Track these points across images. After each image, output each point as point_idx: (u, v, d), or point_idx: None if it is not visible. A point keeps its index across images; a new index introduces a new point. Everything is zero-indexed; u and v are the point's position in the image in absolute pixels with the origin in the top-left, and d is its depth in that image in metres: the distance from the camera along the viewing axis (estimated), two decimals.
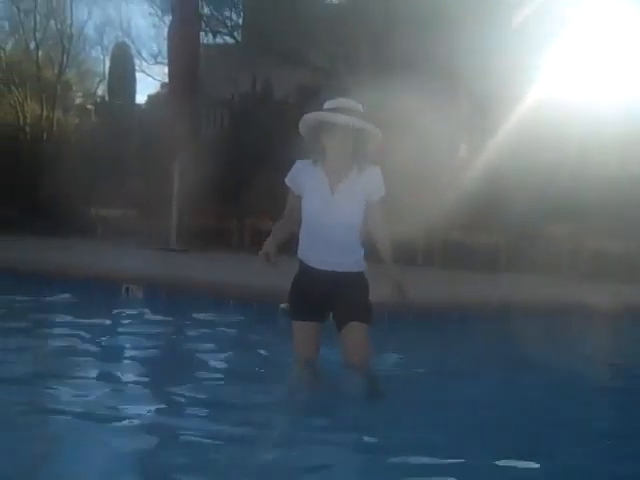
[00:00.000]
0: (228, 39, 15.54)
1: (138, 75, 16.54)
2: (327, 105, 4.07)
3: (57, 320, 6.35)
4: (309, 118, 4.05)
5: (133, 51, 16.43)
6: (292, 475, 3.16)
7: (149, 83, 23.19)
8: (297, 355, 4.25)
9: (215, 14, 15.39)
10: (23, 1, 16.08)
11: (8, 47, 16.68)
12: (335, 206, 4.05)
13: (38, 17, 15.94)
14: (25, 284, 7.74)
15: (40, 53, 16.05)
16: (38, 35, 15.95)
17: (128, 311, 6.96)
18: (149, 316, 6.84)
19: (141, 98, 16.96)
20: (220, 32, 15.49)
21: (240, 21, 15.70)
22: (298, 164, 4.19)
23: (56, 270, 8.01)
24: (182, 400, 4.13)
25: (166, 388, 4.34)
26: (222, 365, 5.15)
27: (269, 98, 13.34)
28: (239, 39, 15.36)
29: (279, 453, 3.37)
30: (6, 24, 16.76)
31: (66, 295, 7.23)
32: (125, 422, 3.72)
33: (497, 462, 3.34)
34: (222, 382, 4.75)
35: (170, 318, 6.71)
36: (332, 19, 13.07)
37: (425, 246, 10.30)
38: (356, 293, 4.15)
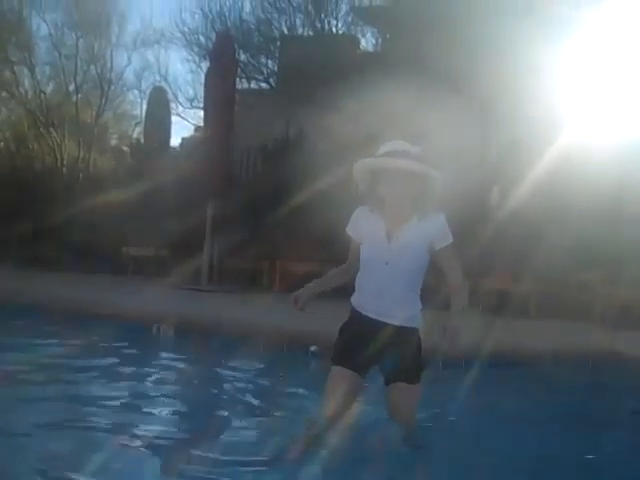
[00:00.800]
0: (264, 85, 15.80)
1: (173, 118, 16.86)
2: (382, 149, 3.80)
3: (88, 360, 6.39)
4: (364, 164, 3.78)
5: (170, 95, 16.74)
6: None
7: (184, 126, 23.55)
8: (324, 407, 3.84)
9: (251, 61, 15.66)
10: (65, 46, 16.52)
11: (48, 90, 17.08)
12: (392, 255, 3.78)
13: (79, 62, 16.34)
14: (58, 321, 7.84)
15: (79, 96, 16.42)
16: (78, 79, 16.34)
17: (158, 350, 7.03)
18: (179, 355, 6.90)
19: (175, 141, 17.22)
20: (256, 78, 15.75)
21: (275, 68, 15.96)
22: (357, 211, 3.95)
23: (88, 308, 8.11)
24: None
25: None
26: (245, 408, 5.12)
27: (303, 143, 13.47)
28: (274, 85, 15.60)
29: None
30: (47, 68, 17.18)
31: (97, 333, 7.28)
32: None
33: None
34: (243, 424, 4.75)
35: (199, 357, 6.76)
36: (365, 67, 13.23)
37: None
38: (408, 350, 3.82)
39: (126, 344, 6.98)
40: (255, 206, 11.64)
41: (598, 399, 5.82)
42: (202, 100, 13.37)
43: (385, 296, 3.80)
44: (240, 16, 15.89)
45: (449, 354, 3.82)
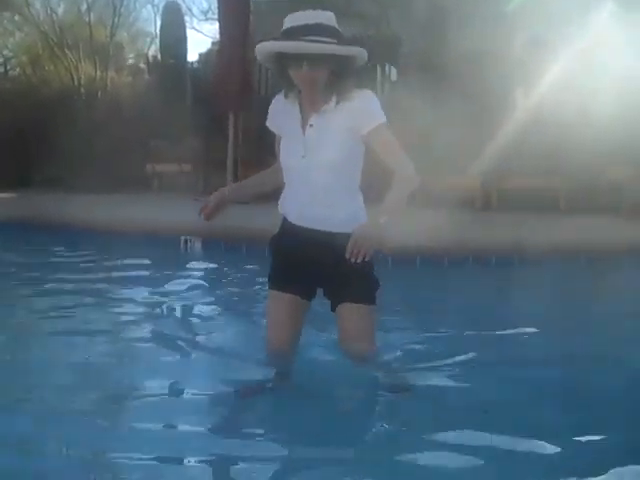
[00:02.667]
0: None
1: (189, 33, 16.58)
2: (286, 23, 3.09)
3: (118, 275, 6.45)
4: (264, 48, 3.11)
5: (184, 9, 16.40)
6: None
7: (201, 41, 23.20)
8: (267, 339, 3.36)
9: None
10: None
11: (60, 11, 16.81)
12: (307, 146, 3.17)
13: None
14: (83, 240, 7.91)
15: (92, 15, 16.16)
16: None
17: (188, 263, 7.08)
18: (208, 266, 6.94)
19: (193, 56, 16.96)
20: None
21: None
22: (274, 101, 3.35)
23: (115, 225, 8.13)
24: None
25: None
26: None
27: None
28: None
29: None
30: None
31: (126, 249, 7.32)
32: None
33: None
34: None
35: (228, 269, 6.79)
36: None
37: (482, 191, 10.18)
38: (354, 262, 2.98)
39: (155, 258, 7.06)
40: None
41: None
42: (216, 12, 13.12)
43: (309, 197, 3.21)
44: None
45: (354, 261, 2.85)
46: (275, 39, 3.08)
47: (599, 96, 9.27)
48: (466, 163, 9.40)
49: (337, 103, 3.13)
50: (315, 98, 3.15)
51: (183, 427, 3.05)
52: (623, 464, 2.55)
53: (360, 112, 3.11)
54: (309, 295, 3.35)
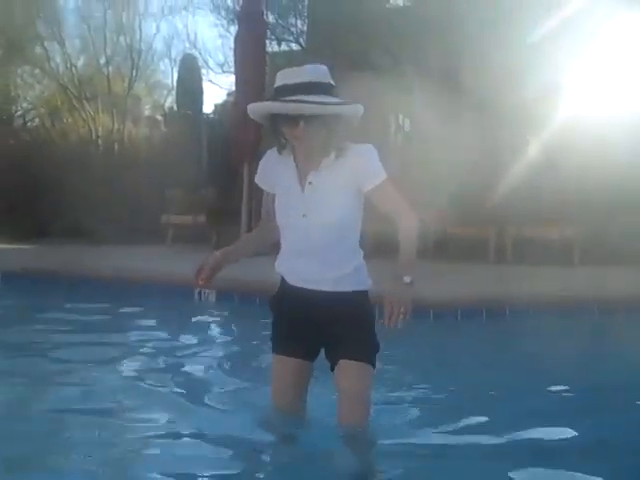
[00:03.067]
0: (294, 46, 15.63)
1: (205, 85, 16.78)
2: (278, 80, 3.03)
3: (133, 327, 6.47)
4: (256, 109, 3.04)
5: (200, 62, 16.63)
6: None
7: (216, 92, 23.52)
8: (273, 403, 3.29)
9: (280, 22, 15.48)
10: (94, 18, 16.49)
11: (79, 64, 17.10)
12: (307, 205, 3.05)
13: (108, 33, 16.30)
14: (101, 291, 7.93)
15: (110, 68, 16.43)
16: (108, 51, 16.33)
17: (201, 316, 7.08)
18: (222, 319, 6.94)
19: (209, 107, 17.17)
20: (285, 39, 15.59)
21: (305, 27, 15.77)
22: (265, 156, 3.24)
23: (131, 276, 8.16)
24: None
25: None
26: None
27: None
28: (304, 45, 15.43)
29: None
30: (77, 42, 17.18)
31: (142, 301, 7.34)
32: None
33: None
34: None
35: (243, 321, 6.78)
36: (396, 21, 13.03)
37: (496, 243, 10.16)
38: (352, 320, 3.09)
39: (170, 309, 7.08)
40: None
41: None
42: (232, 64, 13.30)
43: (308, 257, 3.09)
44: None
45: (390, 332, 2.79)
46: (270, 99, 3.02)
47: (612, 141, 9.28)
48: (480, 214, 9.39)
49: (336, 158, 3.04)
50: (312, 154, 3.05)
51: None
52: None
53: (361, 169, 3.03)
54: (313, 356, 3.25)
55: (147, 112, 18.76)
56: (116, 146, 15.24)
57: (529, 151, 10.19)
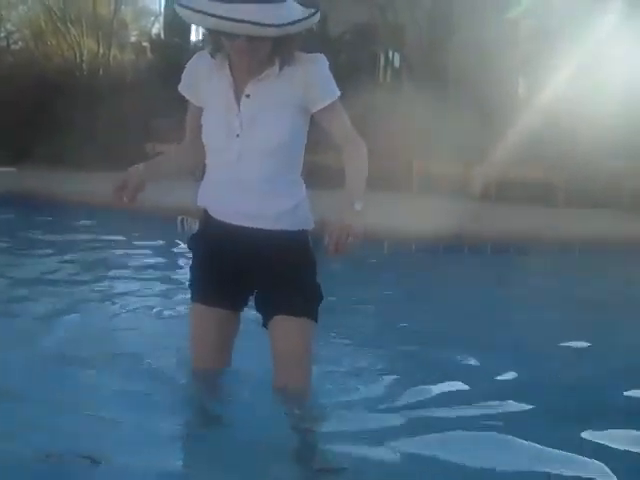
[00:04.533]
0: None
1: None
2: None
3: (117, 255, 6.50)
4: (185, 15, 2.39)
5: None
6: None
7: None
8: (193, 358, 2.80)
9: None
10: None
11: None
12: (243, 124, 2.51)
13: None
14: (83, 216, 7.93)
15: None
16: None
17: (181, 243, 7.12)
18: None
19: (197, 36, 16.86)
20: None
21: None
22: (194, 59, 2.65)
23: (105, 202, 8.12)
24: None
25: None
26: None
27: (325, 35, 13.18)
28: None
29: None
30: None
31: (125, 226, 7.33)
32: None
33: None
34: None
35: None
36: None
37: (484, 181, 10.19)
38: (292, 266, 2.61)
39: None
40: None
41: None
42: None
43: (243, 187, 2.54)
44: None
45: (331, 257, 2.32)
46: (200, 10, 2.33)
47: (602, 90, 9.27)
48: (466, 152, 9.39)
49: (281, 69, 2.49)
50: (253, 62, 2.47)
51: None
52: None
53: (312, 83, 2.49)
54: (240, 305, 2.75)
55: (133, 38, 18.43)
56: (101, 71, 14.99)
57: (520, 93, 10.18)
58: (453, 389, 3.20)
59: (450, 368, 3.47)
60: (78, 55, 15.17)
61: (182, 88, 2.66)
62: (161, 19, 17.56)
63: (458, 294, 5.26)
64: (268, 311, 2.65)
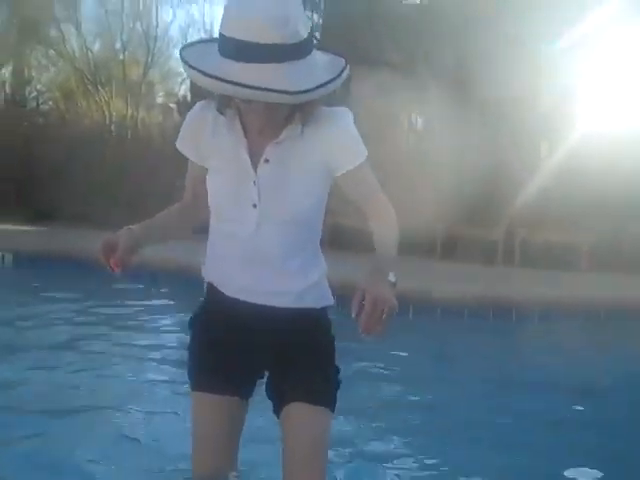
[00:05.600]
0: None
1: None
2: (225, 25, 1.95)
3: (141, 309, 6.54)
4: (190, 74, 2.00)
5: None
6: None
7: None
8: (193, 459, 2.36)
9: None
10: (111, 2, 16.52)
11: (95, 48, 17.12)
12: (263, 190, 2.18)
13: (125, 19, 16.32)
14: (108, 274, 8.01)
15: (126, 54, 16.45)
16: (124, 36, 16.35)
17: None
18: None
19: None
20: None
21: (320, 21, 15.79)
22: (198, 110, 2.28)
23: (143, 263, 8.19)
24: None
25: None
26: None
27: (348, 96, 13.37)
28: (319, 38, 15.45)
29: None
30: (94, 26, 17.19)
31: (152, 285, 7.40)
32: None
33: None
34: None
35: None
36: (411, 18, 13.02)
37: (505, 244, 10.16)
38: (312, 346, 2.32)
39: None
40: None
41: None
42: None
43: (261, 262, 2.22)
44: None
45: (370, 337, 1.96)
46: (209, 72, 1.93)
47: (624, 149, 9.29)
48: (491, 214, 9.40)
49: (303, 127, 2.16)
50: (270, 122, 2.12)
51: None
52: None
53: (337, 145, 2.18)
54: (248, 392, 2.40)
55: (160, 99, 18.80)
56: (129, 132, 15.26)
57: (542, 154, 10.20)
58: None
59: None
60: (107, 116, 15.48)
61: (181, 144, 2.31)
62: (187, 81, 17.90)
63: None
64: (281, 397, 2.31)
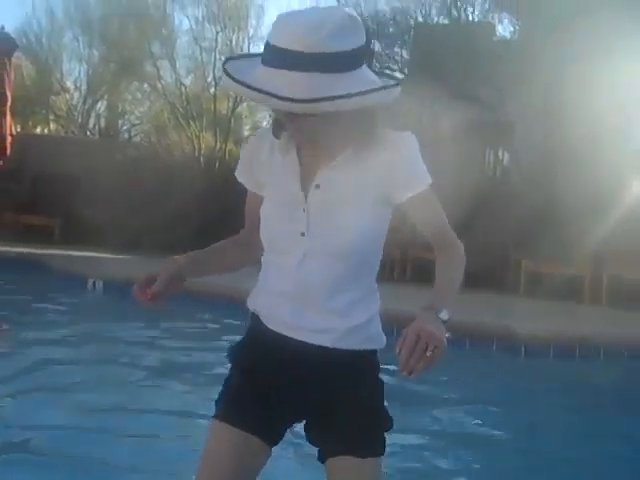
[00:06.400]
0: (397, 74, 15.74)
1: None
2: (273, 34, 1.84)
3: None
4: (231, 88, 1.87)
5: None
6: None
7: None
8: None
9: (385, 51, 15.64)
10: (205, 40, 17.03)
11: (187, 82, 17.64)
12: (313, 219, 2.03)
13: (217, 55, 16.77)
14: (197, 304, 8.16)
15: (217, 88, 16.88)
16: (216, 72, 16.78)
17: None
18: None
19: None
20: (390, 68, 15.71)
21: (409, 56, 15.89)
22: (256, 138, 2.21)
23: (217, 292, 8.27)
24: None
25: None
26: None
27: (437, 132, 13.37)
28: (407, 74, 15.53)
29: None
30: (188, 61, 17.74)
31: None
32: None
33: None
34: None
35: None
36: (502, 55, 12.97)
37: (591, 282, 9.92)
38: (357, 391, 2.10)
39: None
40: None
41: None
42: None
43: (306, 296, 2.06)
44: (375, 5, 15.91)
45: (409, 376, 1.78)
46: (244, 81, 1.82)
47: None
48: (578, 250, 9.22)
49: (357, 151, 2.01)
50: (323, 147, 2.03)
51: None
52: None
53: (396, 169, 2.01)
54: (274, 435, 2.15)
55: (246, 132, 19.18)
56: (217, 164, 15.60)
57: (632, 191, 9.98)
58: None
59: None
60: (197, 149, 15.87)
61: (239, 174, 2.19)
62: (273, 114, 18.22)
63: None
64: (324, 446, 2.12)
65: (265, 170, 2.11)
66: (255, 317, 2.16)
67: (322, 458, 2.12)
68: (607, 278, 9.59)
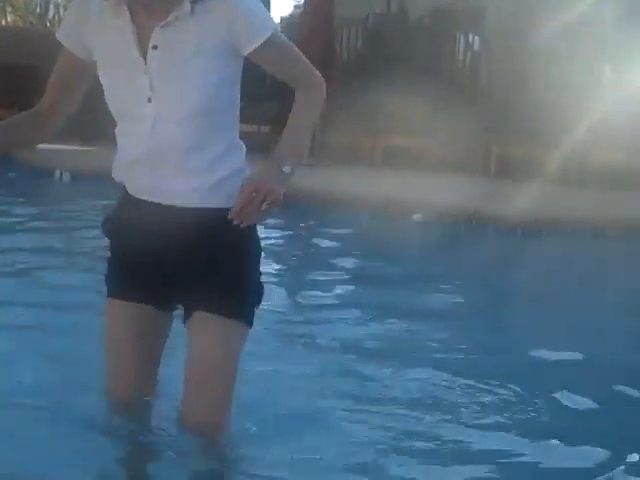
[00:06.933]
0: None
1: None
2: None
3: None
4: None
5: None
6: None
7: (284, 4, 23.36)
8: (107, 383, 2.22)
9: None
10: None
11: None
12: (156, 82, 1.98)
13: None
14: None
15: None
16: None
17: None
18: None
19: (275, 20, 16.96)
20: None
21: None
22: None
23: None
24: None
25: None
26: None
27: (404, 19, 13.11)
28: None
29: None
30: None
31: None
32: None
33: None
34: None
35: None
36: None
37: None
38: (226, 251, 2.07)
39: None
40: (356, 82, 11.54)
41: None
42: None
43: (162, 160, 2.03)
44: None
45: (239, 222, 1.91)
46: None
47: None
48: (550, 134, 9.22)
49: (192, 7, 1.92)
50: (154, 4, 1.94)
51: None
52: None
53: (235, 23, 1.94)
54: (163, 301, 2.17)
55: None
56: None
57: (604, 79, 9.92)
58: None
59: None
60: None
61: (62, 35, 2.05)
62: None
63: None
64: (188, 305, 2.12)
65: (95, 33, 2.00)
66: (123, 188, 2.15)
67: (185, 319, 2.14)
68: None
